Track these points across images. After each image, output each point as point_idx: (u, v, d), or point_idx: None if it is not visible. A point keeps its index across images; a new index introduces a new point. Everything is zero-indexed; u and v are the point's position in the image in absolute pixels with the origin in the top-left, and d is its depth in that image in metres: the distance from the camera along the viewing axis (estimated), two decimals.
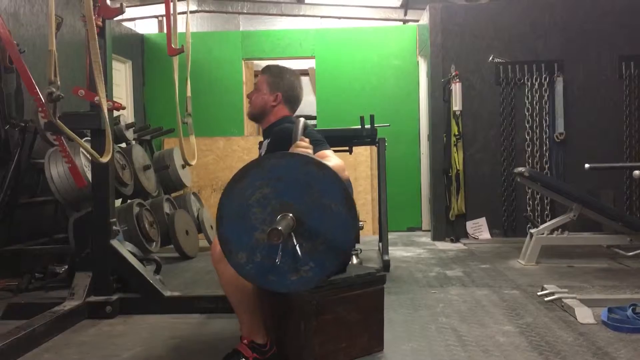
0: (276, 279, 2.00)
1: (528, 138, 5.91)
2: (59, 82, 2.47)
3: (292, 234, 1.94)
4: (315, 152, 2.31)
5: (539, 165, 5.88)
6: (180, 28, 3.71)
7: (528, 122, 5.91)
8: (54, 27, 2.52)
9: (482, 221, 5.97)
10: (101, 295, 3.27)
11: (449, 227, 6.03)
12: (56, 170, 4.08)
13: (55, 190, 4.10)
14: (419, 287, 3.86)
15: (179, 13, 3.55)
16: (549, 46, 5.92)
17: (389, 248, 4.67)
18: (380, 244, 4.75)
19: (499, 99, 5.95)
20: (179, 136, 3.62)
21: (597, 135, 5.83)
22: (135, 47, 6.99)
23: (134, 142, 5.29)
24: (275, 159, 2.07)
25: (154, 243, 4.78)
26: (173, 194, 5.79)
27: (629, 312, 2.82)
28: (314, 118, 7.11)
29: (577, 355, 2.44)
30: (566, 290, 3.35)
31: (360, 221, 4.85)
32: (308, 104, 8.17)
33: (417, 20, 7.17)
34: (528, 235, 4.66)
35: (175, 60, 3.63)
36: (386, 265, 4.37)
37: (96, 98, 2.89)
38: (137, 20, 7.78)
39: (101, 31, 3.23)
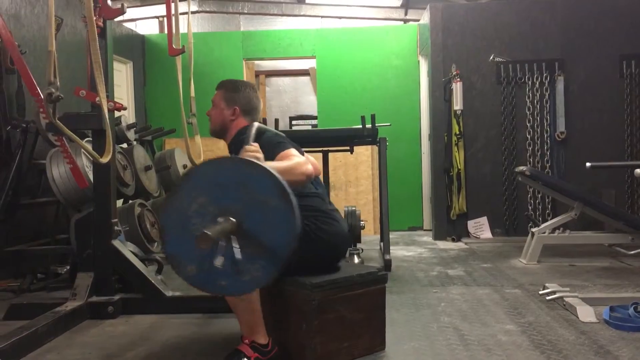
0: (228, 283, 2.00)
1: (529, 137, 5.91)
2: (58, 83, 2.48)
3: (233, 236, 1.94)
4: (276, 153, 2.34)
5: (540, 164, 5.88)
6: (181, 28, 3.71)
7: (529, 121, 5.90)
8: (53, 28, 2.52)
9: (484, 220, 5.97)
10: (103, 296, 3.27)
11: (450, 227, 6.02)
12: (58, 171, 4.09)
13: (57, 190, 4.10)
14: (420, 286, 3.86)
15: (180, 13, 3.55)
16: (550, 45, 5.92)
17: (390, 247, 4.67)
18: (382, 244, 4.75)
19: (499, 98, 5.95)
20: (185, 136, 3.62)
21: (598, 134, 5.82)
22: (136, 48, 6.99)
23: (135, 142, 5.30)
24: (205, 166, 2.08)
25: (156, 243, 4.78)
26: None
27: (631, 310, 2.82)
28: (314, 118, 7.12)
29: (579, 354, 2.44)
30: (568, 289, 3.34)
31: (362, 221, 4.87)
32: (309, 103, 8.21)
33: (418, 20, 7.17)
34: (529, 234, 4.66)
35: (179, 61, 3.63)
36: (387, 265, 4.37)
37: (97, 98, 2.90)
38: (137, 21, 7.78)
39: (102, 32, 3.23)
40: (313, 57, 7.15)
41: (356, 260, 4.52)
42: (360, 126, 4.63)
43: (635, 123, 5.79)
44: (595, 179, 5.60)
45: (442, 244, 5.76)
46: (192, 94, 3.65)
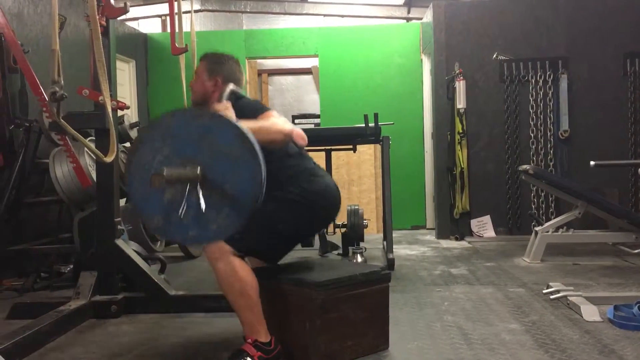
0: (197, 233, 2.03)
1: (532, 135, 5.89)
2: (62, 82, 2.47)
3: (198, 186, 1.97)
4: (258, 115, 2.34)
5: (544, 162, 5.87)
6: (184, 27, 3.71)
7: (532, 120, 5.89)
8: (57, 27, 2.52)
9: (487, 219, 5.96)
10: (106, 295, 3.27)
11: (453, 225, 6.01)
12: (61, 170, 4.09)
13: (60, 190, 4.11)
14: (423, 285, 3.85)
15: (183, 12, 3.55)
16: (553, 43, 5.90)
17: (394, 246, 4.67)
18: (385, 243, 4.74)
19: (503, 97, 5.94)
20: None
21: (601, 133, 5.81)
22: (139, 47, 6.99)
23: None
24: (166, 117, 2.10)
25: (159, 242, 4.79)
26: None
27: (635, 309, 2.81)
28: (317, 116, 7.11)
29: (583, 353, 2.43)
30: (572, 288, 3.34)
31: (365, 219, 4.87)
32: (312, 102, 8.20)
33: (421, 18, 7.16)
34: (533, 233, 4.65)
35: (182, 60, 3.63)
36: (391, 264, 4.36)
37: (100, 97, 2.90)
38: (140, 20, 7.79)
39: (105, 31, 3.23)
40: (316, 55, 7.14)
41: (359, 259, 4.52)
42: (363, 125, 4.63)
43: (639, 121, 5.78)
44: (598, 178, 5.58)
45: (445, 243, 5.76)
46: None
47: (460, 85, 5.87)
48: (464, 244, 5.68)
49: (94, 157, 3.30)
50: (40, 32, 4.73)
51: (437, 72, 6.10)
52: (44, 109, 3.79)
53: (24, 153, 4.20)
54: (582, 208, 4.50)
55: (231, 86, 2.53)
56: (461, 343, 2.61)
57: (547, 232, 4.55)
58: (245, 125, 2.06)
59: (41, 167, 4.41)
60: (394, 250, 4.60)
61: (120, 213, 3.53)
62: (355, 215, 4.85)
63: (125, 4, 3.22)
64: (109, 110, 2.73)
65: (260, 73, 8.37)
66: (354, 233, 4.83)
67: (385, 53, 6.96)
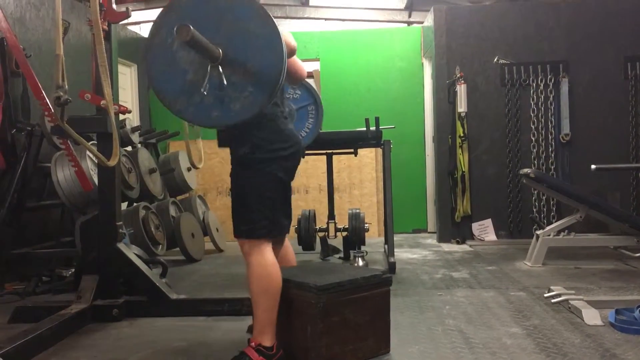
0: (220, 114, 2.04)
1: (533, 139, 5.89)
2: (66, 86, 2.49)
3: (219, 65, 1.98)
4: None
5: (545, 166, 5.87)
6: None
7: (533, 123, 5.89)
8: (60, 32, 2.54)
9: (488, 223, 5.96)
10: (108, 299, 3.28)
11: (454, 229, 6.01)
12: (63, 174, 4.10)
13: (62, 193, 4.12)
14: (425, 289, 3.85)
15: None
16: (554, 47, 5.91)
17: (395, 250, 4.67)
18: (386, 246, 4.75)
19: (504, 100, 5.94)
20: (186, 140, 3.63)
21: (603, 136, 5.81)
22: (141, 51, 6.99)
23: (139, 145, 5.31)
24: (183, 0, 2.10)
25: (160, 246, 4.79)
26: (179, 197, 5.81)
27: (637, 313, 2.81)
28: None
29: (584, 357, 2.43)
30: (573, 291, 3.34)
31: (366, 223, 4.87)
32: None
33: (422, 22, 7.17)
34: (534, 237, 4.65)
35: None
36: (392, 267, 4.36)
37: (102, 102, 2.91)
38: (142, 24, 7.80)
39: (107, 35, 3.24)
40: (317, 59, 7.15)
41: (360, 262, 4.51)
42: (365, 128, 4.63)
43: None
44: (600, 181, 5.58)
45: (447, 247, 5.75)
46: None
47: (461, 89, 5.88)
48: (465, 247, 5.68)
49: (96, 161, 3.31)
50: (42, 37, 4.75)
51: (438, 75, 6.11)
52: (46, 113, 3.80)
53: (25, 157, 4.21)
54: (583, 212, 4.49)
55: None
56: (462, 347, 2.61)
57: (549, 235, 4.55)
58: None
59: (43, 171, 4.42)
60: (395, 253, 4.60)
61: (121, 217, 3.54)
62: (356, 219, 4.85)
63: (127, 8, 3.23)
64: (112, 114, 2.74)
65: None
66: (355, 237, 4.83)
67: (386, 57, 6.97)
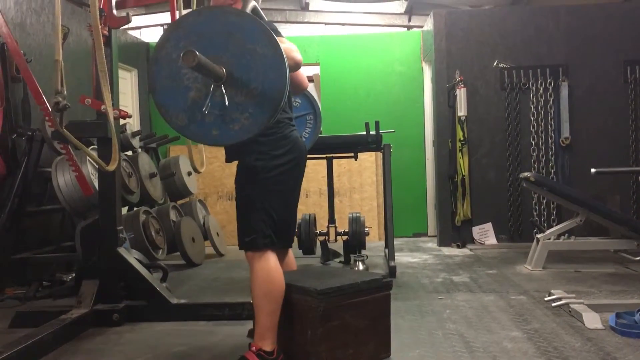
0: (220, 133, 2.06)
1: (533, 143, 5.90)
2: (65, 92, 2.49)
3: (222, 85, 1.99)
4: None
5: (545, 170, 5.87)
6: None
7: (533, 127, 5.90)
8: (60, 37, 2.54)
9: (488, 226, 5.96)
10: (108, 303, 3.27)
11: (455, 233, 6.01)
12: (63, 179, 4.11)
13: (62, 198, 4.12)
14: (425, 293, 3.85)
15: None
16: (554, 51, 5.92)
17: (395, 254, 4.67)
18: (386, 250, 4.75)
19: (504, 104, 5.95)
20: (188, 144, 3.63)
21: (602, 140, 5.81)
22: (141, 56, 7.02)
23: (140, 150, 5.32)
24: (193, 16, 2.12)
25: (161, 250, 4.79)
26: (179, 202, 5.81)
27: (637, 317, 2.81)
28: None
29: None
30: (573, 295, 3.34)
31: (366, 227, 4.87)
32: None
33: (421, 26, 7.18)
34: (534, 241, 4.64)
35: None
36: (392, 271, 4.36)
37: (103, 106, 2.92)
38: (142, 29, 7.82)
39: (107, 40, 3.25)
40: (317, 63, 7.16)
41: (361, 266, 4.52)
42: (365, 133, 4.64)
43: None
44: (600, 185, 5.58)
45: (447, 250, 5.75)
46: None
47: (461, 93, 5.88)
48: (465, 251, 5.68)
49: (96, 166, 3.31)
50: (43, 42, 4.76)
51: (438, 79, 6.12)
52: (47, 117, 3.81)
53: (26, 162, 4.21)
54: (583, 215, 4.50)
55: (253, 2, 2.44)
56: (463, 351, 2.61)
57: (549, 239, 4.55)
58: None
59: (44, 176, 4.42)
60: (395, 257, 4.60)
61: (122, 221, 3.54)
62: (356, 223, 4.85)
63: (127, 14, 3.24)
64: (111, 119, 2.75)
65: None
66: (356, 241, 4.83)
67: (386, 61, 6.98)
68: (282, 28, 7.97)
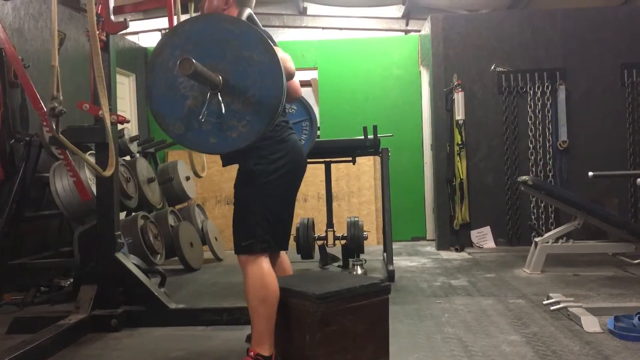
0: (217, 141, 2.05)
1: (531, 146, 5.91)
2: (61, 97, 2.50)
3: (219, 92, 1.99)
4: None
5: (543, 173, 5.88)
6: None
7: (531, 131, 5.91)
8: (56, 43, 2.55)
9: (487, 230, 5.96)
10: (106, 309, 3.27)
11: (453, 237, 6.01)
12: (61, 184, 4.10)
13: (60, 203, 4.12)
14: (424, 297, 3.85)
15: None
16: (551, 54, 5.93)
17: (394, 258, 4.67)
18: (385, 254, 4.74)
19: (501, 108, 5.96)
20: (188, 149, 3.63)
21: (600, 143, 5.83)
22: (139, 61, 7.03)
23: (138, 155, 5.32)
24: (189, 24, 2.12)
25: (159, 255, 4.79)
26: (177, 206, 5.81)
27: (636, 320, 2.81)
28: (317, 129, 7.12)
29: None
30: (572, 299, 3.34)
31: (365, 231, 4.87)
32: None
33: (419, 31, 7.19)
34: (533, 244, 4.65)
35: None
36: (391, 275, 4.36)
37: (100, 112, 2.92)
38: (140, 34, 7.82)
39: (105, 45, 3.26)
40: (315, 68, 7.18)
41: (359, 271, 4.51)
42: (363, 137, 4.64)
43: (638, 132, 5.80)
44: (598, 188, 5.59)
45: (445, 254, 5.75)
46: None
47: (458, 97, 5.90)
48: (464, 255, 5.68)
49: (94, 172, 3.31)
50: (41, 47, 4.76)
51: (435, 83, 6.13)
52: (45, 123, 3.81)
53: (24, 167, 4.21)
54: (581, 219, 4.50)
55: (248, 9, 2.44)
56: (462, 355, 2.61)
57: (547, 242, 4.55)
58: None
59: (41, 181, 4.42)
60: (394, 261, 4.60)
61: (120, 226, 3.53)
62: (355, 227, 4.85)
63: (124, 19, 3.25)
64: (109, 124, 2.75)
65: None
66: (354, 245, 4.83)
67: (384, 65, 7.00)
68: (280, 32, 8.00)
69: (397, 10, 7.73)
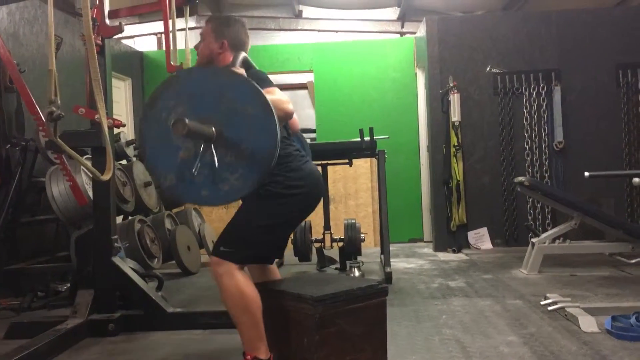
0: (210, 194, 2.02)
1: (527, 147, 5.92)
2: (59, 102, 2.49)
3: (212, 144, 1.97)
4: (262, 87, 2.23)
5: (539, 174, 5.89)
6: (179, 45, 3.73)
7: (527, 132, 5.92)
8: (53, 47, 2.54)
9: (484, 231, 5.97)
10: (104, 313, 3.26)
11: (450, 238, 6.02)
12: (57, 189, 4.09)
13: (57, 208, 4.11)
14: (421, 298, 3.85)
15: (178, 30, 3.57)
16: (546, 55, 5.95)
17: (391, 260, 4.67)
18: (382, 256, 4.75)
19: (497, 109, 5.98)
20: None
21: (596, 143, 5.84)
22: (135, 65, 7.03)
23: (134, 158, 5.31)
24: (182, 76, 2.12)
25: (156, 259, 4.78)
26: (174, 210, 5.80)
27: (633, 320, 2.81)
28: (313, 131, 7.13)
29: None
30: (569, 299, 3.34)
31: (362, 233, 4.87)
32: (307, 117, 8.22)
33: (414, 33, 7.21)
34: (530, 245, 4.66)
35: None
36: (388, 277, 4.36)
37: (96, 116, 2.91)
38: (136, 38, 7.82)
39: (101, 50, 3.26)
40: (311, 71, 7.19)
41: (357, 273, 4.51)
42: (359, 139, 4.65)
43: (633, 132, 5.82)
44: (594, 188, 5.60)
45: (443, 256, 5.75)
46: None
47: (454, 99, 5.91)
48: (461, 256, 5.68)
49: (91, 176, 3.31)
50: (36, 52, 4.76)
51: (431, 85, 6.14)
52: (40, 128, 3.79)
53: (20, 172, 4.20)
54: (578, 219, 4.51)
55: (243, 54, 2.46)
56: (460, 356, 2.61)
57: (544, 243, 4.56)
58: None
59: (38, 186, 4.41)
60: (391, 263, 4.60)
61: (117, 231, 3.53)
62: (352, 230, 4.85)
63: (120, 23, 3.25)
64: (105, 128, 2.75)
65: None
66: (351, 247, 4.83)
67: (379, 67, 7.01)
68: (275, 36, 8.02)
69: (393, 13, 7.75)
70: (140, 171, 5.03)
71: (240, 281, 2.25)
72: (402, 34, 7.82)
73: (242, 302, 2.24)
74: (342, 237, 4.91)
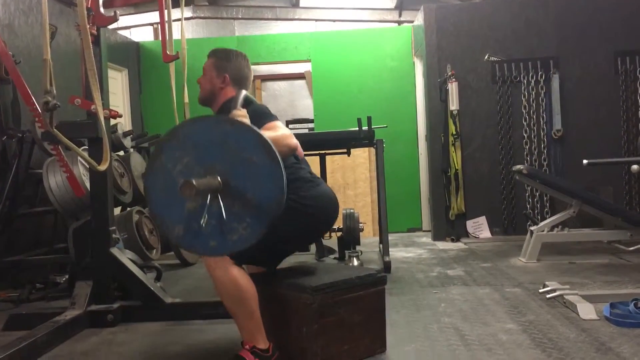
0: (218, 244, 2.02)
1: (526, 136, 5.91)
2: (54, 91, 2.47)
3: (219, 195, 1.96)
4: (263, 123, 2.32)
5: (538, 162, 5.88)
6: (176, 35, 3.72)
7: (525, 120, 5.91)
8: (48, 36, 2.52)
9: (482, 220, 5.97)
10: (102, 304, 3.26)
11: (449, 227, 6.02)
12: (54, 180, 4.08)
13: (54, 200, 4.09)
14: (420, 287, 3.85)
15: (174, 20, 3.55)
16: (544, 43, 5.92)
17: (390, 249, 4.67)
18: (381, 245, 4.75)
19: (495, 98, 5.96)
20: None
21: (594, 131, 5.83)
22: (131, 55, 6.99)
23: (132, 149, 5.29)
24: (187, 126, 2.11)
25: (154, 250, 4.77)
26: None
27: (631, 307, 2.82)
28: (311, 121, 7.11)
29: (580, 351, 2.43)
30: (568, 286, 3.34)
31: (360, 223, 4.87)
32: (305, 107, 8.21)
33: (412, 21, 7.18)
34: (528, 233, 4.66)
35: (172, 67, 3.62)
36: (387, 267, 4.37)
37: (92, 106, 2.90)
38: (132, 28, 7.78)
39: (96, 39, 3.23)
40: (308, 60, 7.16)
41: (355, 262, 4.52)
42: (357, 128, 4.63)
43: (631, 119, 5.80)
44: (592, 176, 5.60)
45: (442, 245, 5.76)
46: (186, 99, 3.64)
47: (452, 87, 5.89)
48: (460, 245, 5.69)
49: (87, 166, 3.29)
50: (32, 43, 4.73)
51: (429, 74, 6.12)
52: (37, 119, 3.78)
53: (17, 164, 4.18)
54: (576, 207, 4.51)
55: (244, 92, 2.48)
56: (458, 344, 2.61)
57: (543, 231, 4.56)
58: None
59: (35, 178, 4.40)
60: (390, 253, 4.60)
61: (115, 222, 3.52)
62: (350, 219, 4.84)
63: (115, 12, 3.22)
64: (101, 118, 2.73)
65: (253, 79, 8.34)
66: (350, 237, 4.83)
67: (377, 56, 6.98)
68: (272, 25, 7.98)
69: (390, 1, 7.72)
70: (137, 162, 5.02)
71: (234, 273, 2.24)
72: (399, 22, 7.79)
73: (237, 293, 2.23)
74: (341, 226, 4.91)
